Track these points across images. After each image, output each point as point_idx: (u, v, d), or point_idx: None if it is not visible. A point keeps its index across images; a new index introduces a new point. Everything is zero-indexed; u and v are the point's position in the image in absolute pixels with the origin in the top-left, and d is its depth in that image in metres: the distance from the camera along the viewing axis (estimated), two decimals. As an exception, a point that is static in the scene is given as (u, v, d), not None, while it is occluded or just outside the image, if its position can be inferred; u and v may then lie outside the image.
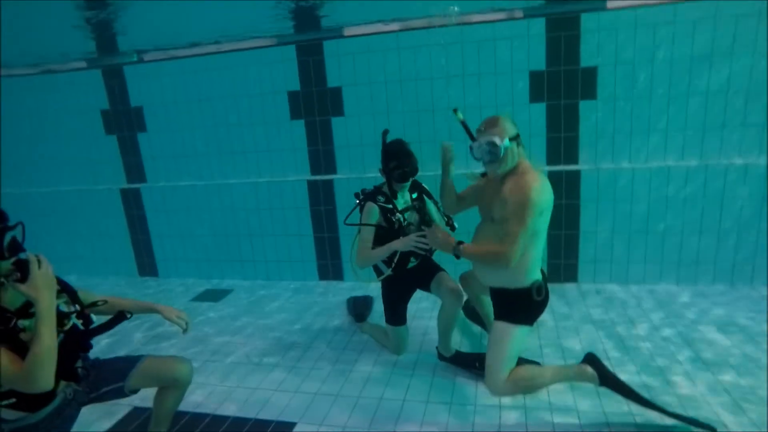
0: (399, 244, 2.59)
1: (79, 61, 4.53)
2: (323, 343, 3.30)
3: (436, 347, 2.92)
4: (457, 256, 2.23)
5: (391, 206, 2.69)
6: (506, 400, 2.50)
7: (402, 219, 2.67)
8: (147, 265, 4.95)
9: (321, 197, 4.29)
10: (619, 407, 2.37)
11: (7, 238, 1.58)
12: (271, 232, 4.49)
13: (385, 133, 2.74)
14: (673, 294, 3.60)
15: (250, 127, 4.34)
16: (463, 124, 2.40)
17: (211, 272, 4.75)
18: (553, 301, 3.63)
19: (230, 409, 2.65)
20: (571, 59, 3.59)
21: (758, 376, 2.54)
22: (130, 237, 4.90)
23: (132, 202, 4.80)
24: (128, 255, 4.95)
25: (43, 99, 4.74)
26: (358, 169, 4.17)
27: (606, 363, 2.32)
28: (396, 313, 2.93)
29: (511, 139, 2.17)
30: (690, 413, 2.26)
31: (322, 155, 4.25)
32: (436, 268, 2.85)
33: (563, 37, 3.57)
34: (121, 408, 2.70)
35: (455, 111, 2.42)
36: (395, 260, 2.70)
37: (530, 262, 2.18)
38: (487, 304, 2.65)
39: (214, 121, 4.40)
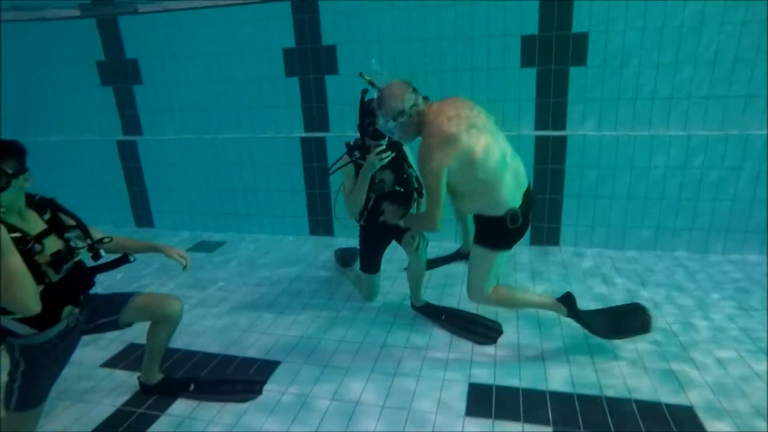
0: (365, 170, 2.66)
1: (72, 9, 4.51)
2: (310, 293, 3.47)
3: (409, 297, 3.11)
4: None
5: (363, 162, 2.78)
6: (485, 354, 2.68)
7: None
8: (143, 217, 5.08)
9: (314, 154, 4.38)
10: (613, 380, 2.53)
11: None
12: (264, 188, 4.60)
13: (365, 92, 2.81)
14: (644, 260, 3.77)
15: (245, 82, 4.38)
16: (372, 84, 2.45)
17: (206, 225, 4.89)
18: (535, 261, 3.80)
19: (219, 348, 2.83)
20: (563, 24, 3.62)
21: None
22: (126, 188, 5.01)
23: (128, 154, 4.87)
24: (125, 206, 5.07)
25: (38, 47, 4.74)
26: (351, 127, 4.23)
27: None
28: (370, 262, 3.09)
29: (398, 115, 2.21)
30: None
31: (315, 113, 4.31)
32: None
33: (556, 1, 3.59)
34: (117, 344, 2.89)
35: (361, 74, 2.49)
36: (366, 211, 2.84)
37: (499, 196, 2.25)
38: (471, 224, 2.77)
39: (209, 76, 4.42)
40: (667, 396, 2.24)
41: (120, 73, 4.65)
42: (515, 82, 3.82)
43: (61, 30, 4.61)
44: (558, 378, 2.40)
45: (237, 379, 2.54)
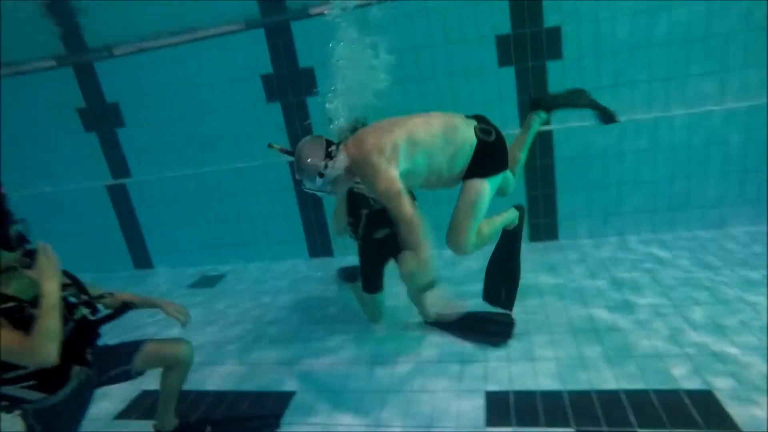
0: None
1: (48, 60, 4.51)
2: (316, 317, 3.46)
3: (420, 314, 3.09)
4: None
5: None
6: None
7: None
8: (140, 257, 5.06)
9: (304, 177, 4.37)
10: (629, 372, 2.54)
11: (14, 231, 1.73)
12: (259, 215, 4.60)
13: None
14: (640, 242, 3.78)
15: (227, 112, 4.38)
16: (285, 152, 2.40)
17: (205, 259, 4.87)
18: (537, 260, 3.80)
19: (231, 385, 2.81)
20: (534, 21, 3.65)
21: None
22: (121, 231, 4.99)
23: (119, 197, 4.86)
24: (122, 249, 5.05)
25: (17, 101, 4.72)
26: (338, 146, 4.24)
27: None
28: (369, 281, 3.05)
29: (322, 172, 2.14)
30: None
31: (300, 135, 4.31)
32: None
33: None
34: (130, 392, 2.86)
35: (270, 146, 2.41)
36: (360, 228, 2.84)
37: (453, 153, 2.28)
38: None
39: (192, 109, 4.43)
40: (686, 384, 2.23)
41: (102, 117, 4.64)
42: (494, 83, 3.84)
43: (40, 81, 4.60)
44: (573, 376, 2.39)
45: (253, 415, 2.52)
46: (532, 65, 3.75)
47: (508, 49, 3.75)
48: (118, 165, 4.79)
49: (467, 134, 2.31)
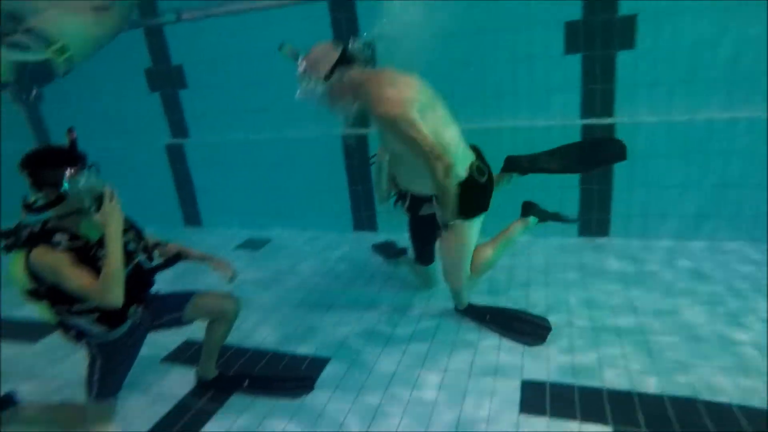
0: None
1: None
2: (356, 289, 3.50)
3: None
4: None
5: None
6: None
7: None
8: (191, 215, 5.26)
9: (355, 152, 4.40)
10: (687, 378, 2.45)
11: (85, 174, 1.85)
12: (308, 185, 4.66)
13: None
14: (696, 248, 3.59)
15: (286, 83, 4.41)
16: (295, 57, 2.26)
17: (252, 223, 5.00)
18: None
19: (270, 345, 2.90)
20: (608, 7, 3.48)
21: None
22: (175, 189, 5.19)
23: (177, 157, 5.05)
24: (174, 206, 5.26)
25: (94, 60, 4.94)
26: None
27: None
28: (420, 254, 3.11)
29: (326, 78, 2.02)
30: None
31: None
32: None
33: (602, -16, 3.45)
34: (175, 340, 3.00)
35: (281, 47, 2.25)
36: (406, 204, 2.84)
37: (457, 152, 2.25)
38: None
39: (252, 77, 4.51)
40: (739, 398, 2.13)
41: (166, 79, 4.81)
42: (559, 70, 3.70)
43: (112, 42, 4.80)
44: (613, 375, 2.33)
45: (289, 376, 2.59)
46: (601, 54, 3.59)
47: (577, 36, 3.60)
48: (178, 125, 4.97)
49: (460, 156, 2.27)
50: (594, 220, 3.95)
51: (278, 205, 4.85)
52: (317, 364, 2.67)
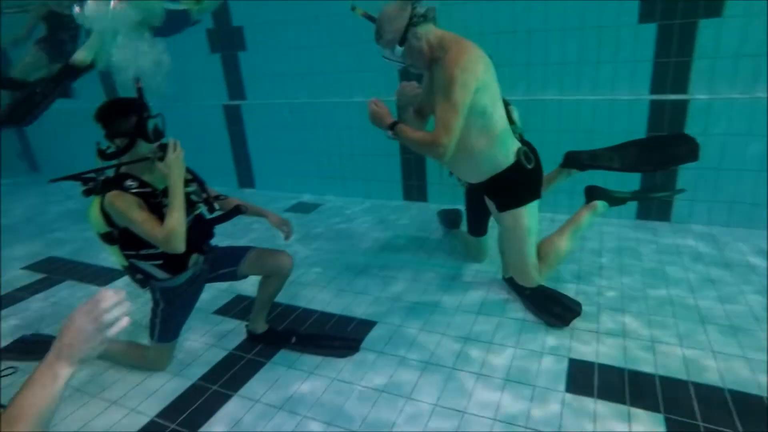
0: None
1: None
2: (405, 256, 3.52)
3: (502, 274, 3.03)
4: (391, 137, 2.27)
5: None
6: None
7: None
8: (245, 177, 5.40)
9: (408, 120, 4.34)
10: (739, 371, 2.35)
11: (151, 125, 1.94)
12: (360, 152, 4.67)
13: None
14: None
15: (344, 47, 4.40)
16: (368, 17, 2.23)
17: (304, 186, 5.09)
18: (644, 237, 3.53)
19: (318, 305, 2.97)
20: (694, -29, 3.20)
21: None
22: (231, 150, 5.33)
23: (233, 118, 5.16)
24: (229, 167, 5.41)
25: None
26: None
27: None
28: (472, 225, 3.10)
29: (403, 40, 2.04)
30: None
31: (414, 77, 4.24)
32: None
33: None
34: (227, 294, 3.14)
35: (353, 9, 2.24)
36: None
37: (499, 139, 2.17)
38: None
39: (310, 41, 4.51)
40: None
41: (226, 40, 4.88)
42: (631, 40, 3.47)
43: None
44: (669, 362, 2.24)
45: (336, 335, 2.66)
46: (680, 23, 3.32)
47: (653, 3, 3.34)
48: (236, 87, 5.06)
49: (509, 142, 2.23)
50: (654, 204, 3.76)
51: (331, 170, 4.90)
52: (364, 326, 2.71)
